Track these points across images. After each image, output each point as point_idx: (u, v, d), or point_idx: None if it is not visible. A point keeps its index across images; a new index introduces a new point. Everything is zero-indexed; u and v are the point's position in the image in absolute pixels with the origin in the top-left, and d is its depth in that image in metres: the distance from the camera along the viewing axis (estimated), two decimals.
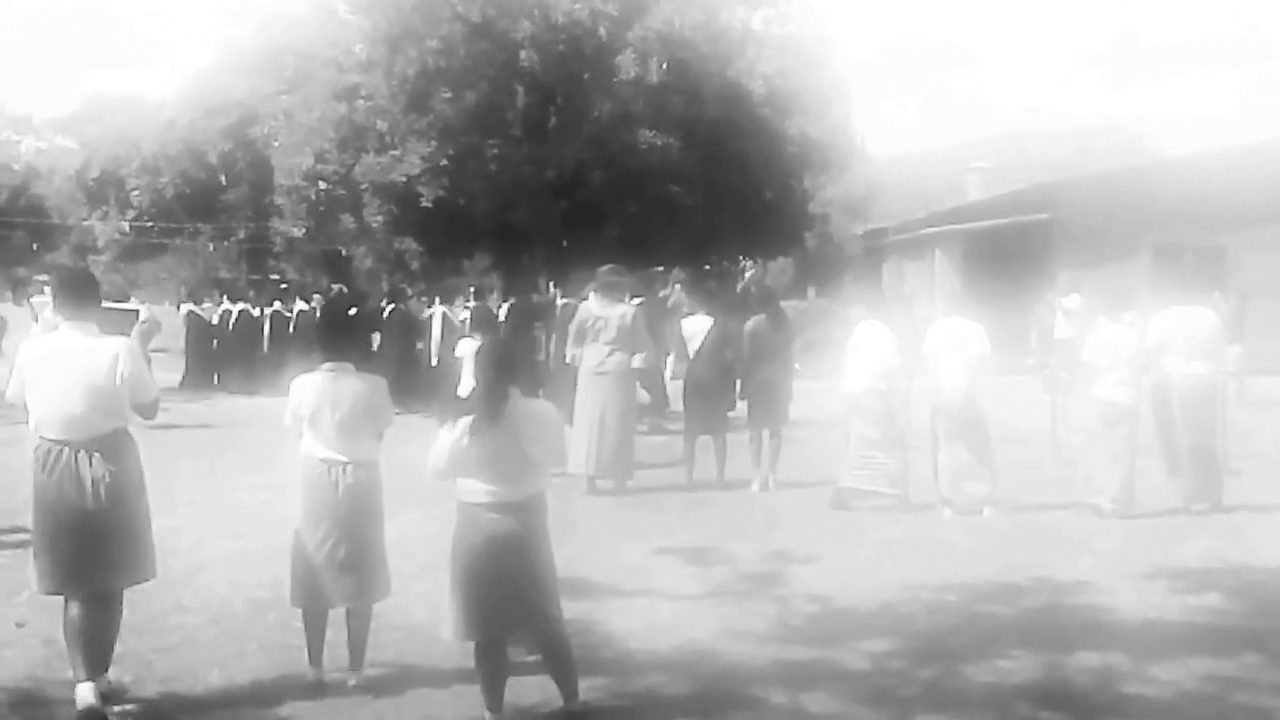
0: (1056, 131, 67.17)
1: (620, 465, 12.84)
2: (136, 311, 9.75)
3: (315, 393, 6.61)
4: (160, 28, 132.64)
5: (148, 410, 6.39)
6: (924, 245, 33.41)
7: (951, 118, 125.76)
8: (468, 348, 15.62)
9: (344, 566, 6.55)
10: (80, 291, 6.40)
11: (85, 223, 57.97)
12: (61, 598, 6.28)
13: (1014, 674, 6.90)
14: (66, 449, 6.10)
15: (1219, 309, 13.91)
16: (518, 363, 6.16)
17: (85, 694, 6.07)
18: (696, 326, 13.45)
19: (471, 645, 6.02)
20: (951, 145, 62.74)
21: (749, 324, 13.25)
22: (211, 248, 53.41)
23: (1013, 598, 8.57)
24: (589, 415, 12.74)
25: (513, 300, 20.53)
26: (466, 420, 5.81)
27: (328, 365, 6.72)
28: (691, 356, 13.33)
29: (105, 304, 7.11)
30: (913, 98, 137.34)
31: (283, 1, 38.84)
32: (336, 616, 6.74)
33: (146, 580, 6.43)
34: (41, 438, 6.17)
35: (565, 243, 30.90)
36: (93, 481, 6.08)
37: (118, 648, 6.88)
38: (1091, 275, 22.90)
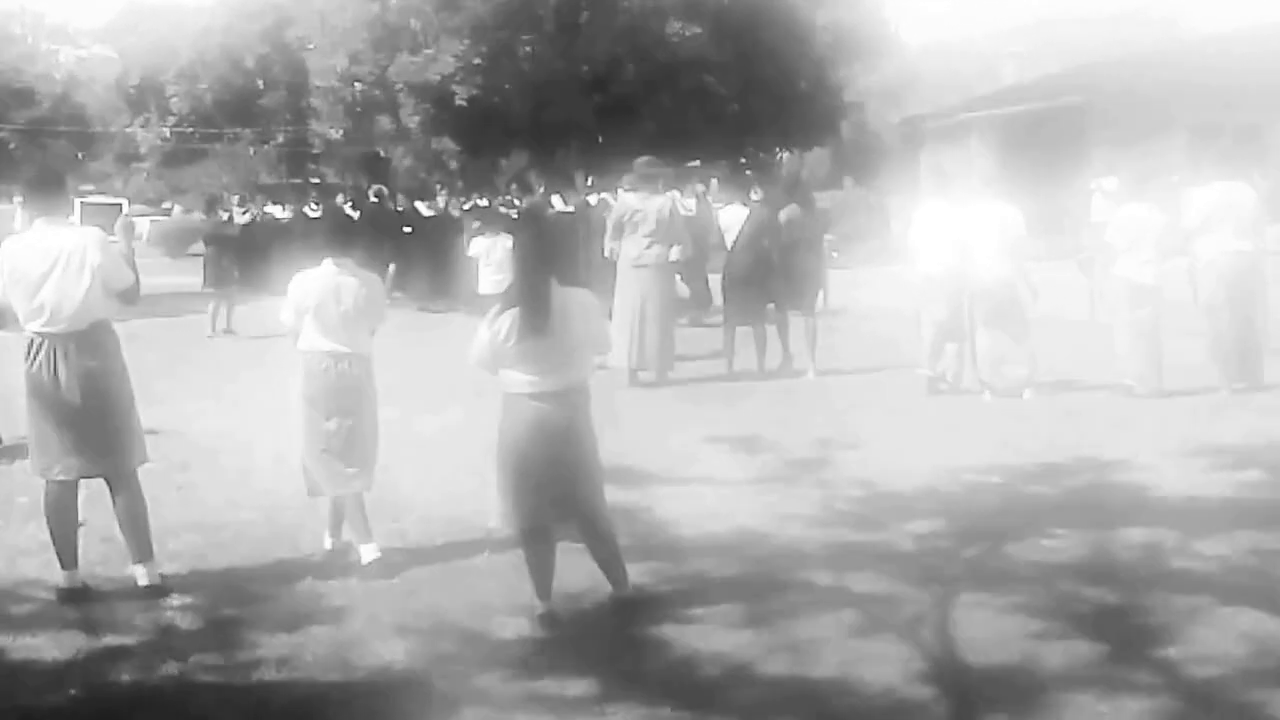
0: (1089, 16, 65.74)
1: (662, 357, 12.80)
2: (119, 205, 9.83)
3: (319, 288, 6.74)
4: None
5: (128, 296, 6.45)
6: (960, 131, 32.92)
7: (985, 4, 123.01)
8: (481, 246, 15.65)
9: (349, 454, 6.76)
10: (47, 188, 6.52)
11: (128, 129, 57.71)
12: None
13: (1058, 552, 6.86)
14: (46, 341, 6.19)
15: (1259, 187, 13.60)
16: (557, 253, 6.08)
17: (137, 574, 6.41)
18: (733, 217, 13.32)
19: (519, 534, 6.02)
20: (986, 33, 61.44)
21: (782, 214, 13.07)
22: (252, 152, 53.19)
23: (1055, 478, 8.51)
24: (629, 308, 12.67)
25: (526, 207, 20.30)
26: (508, 314, 5.74)
27: (331, 261, 6.82)
28: (729, 247, 13.20)
29: (89, 200, 7.28)
30: None
31: None
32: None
33: (133, 468, 6.49)
34: (27, 330, 6.27)
35: (600, 138, 30.64)
36: (67, 374, 6.16)
37: (173, 543, 7.02)
38: (1128, 157, 22.46)
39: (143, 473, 6.65)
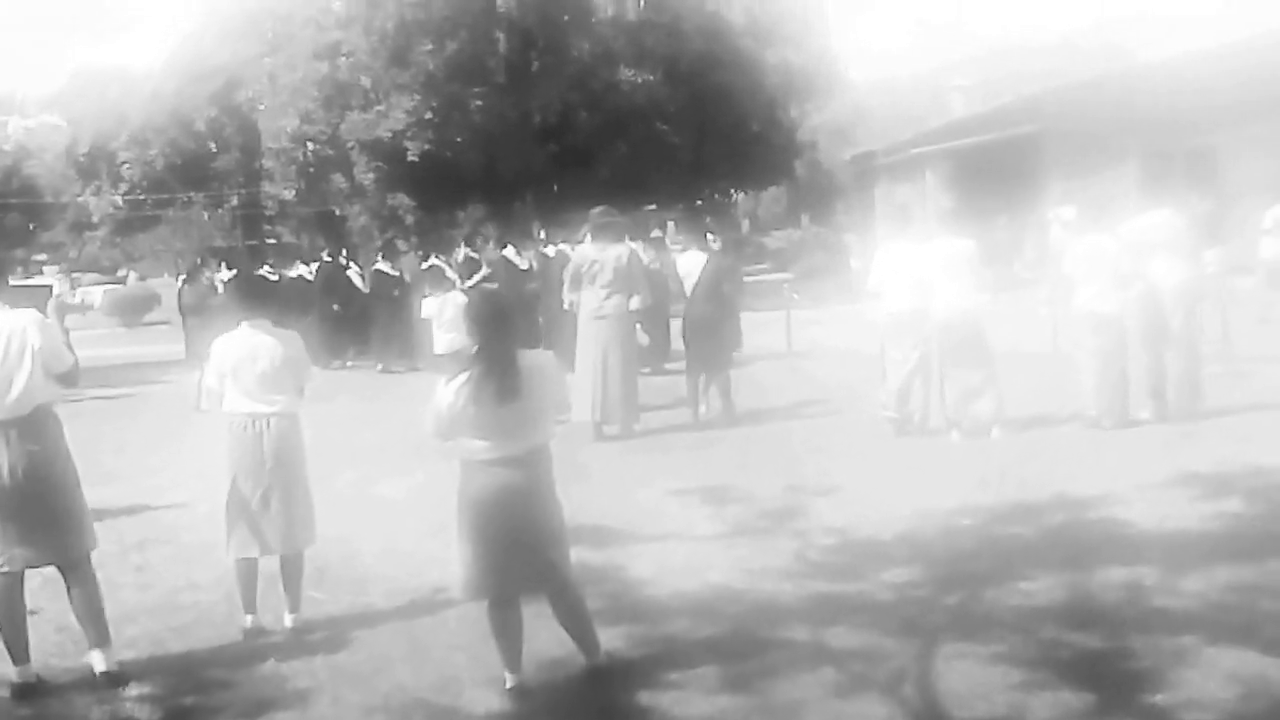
0: (1036, 45, 66.50)
1: (626, 409, 12.65)
2: (49, 287, 9.69)
3: (236, 350, 6.77)
4: None
5: (69, 378, 6.32)
6: (913, 166, 33.01)
7: (931, 40, 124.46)
8: (433, 306, 15.50)
9: (274, 515, 6.69)
10: None
11: (79, 199, 57.47)
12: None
13: (1038, 595, 6.74)
14: None
15: (1195, 211, 13.59)
16: (513, 315, 5.94)
17: (94, 661, 6.20)
18: (691, 263, 13.21)
19: (485, 605, 5.85)
20: (934, 67, 62.06)
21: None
22: (206, 216, 53.04)
23: (1029, 517, 8.41)
24: (591, 361, 12.53)
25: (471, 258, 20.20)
26: (461, 379, 5.59)
27: (245, 323, 6.83)
28: (688, 294, 13.10)
29: (15, 282, 7.22)
30: (891, 21, 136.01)
31: None
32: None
33: (84, 554, 6.27)
34: None
35: (556, 187, 30.70)
36: (10, 461, 5.99)
37: (130, 629, 6.82)
38: (1084, 185, 22.58)
39: (99, 555, 6.48)
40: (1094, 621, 6.28)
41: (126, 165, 51.57)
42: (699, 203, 36.84)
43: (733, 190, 42.50)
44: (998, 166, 28.53)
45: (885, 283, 11.62)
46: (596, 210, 13.42)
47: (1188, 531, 7.80)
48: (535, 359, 5.79)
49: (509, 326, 5.72)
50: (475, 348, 5.65)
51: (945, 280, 11.25)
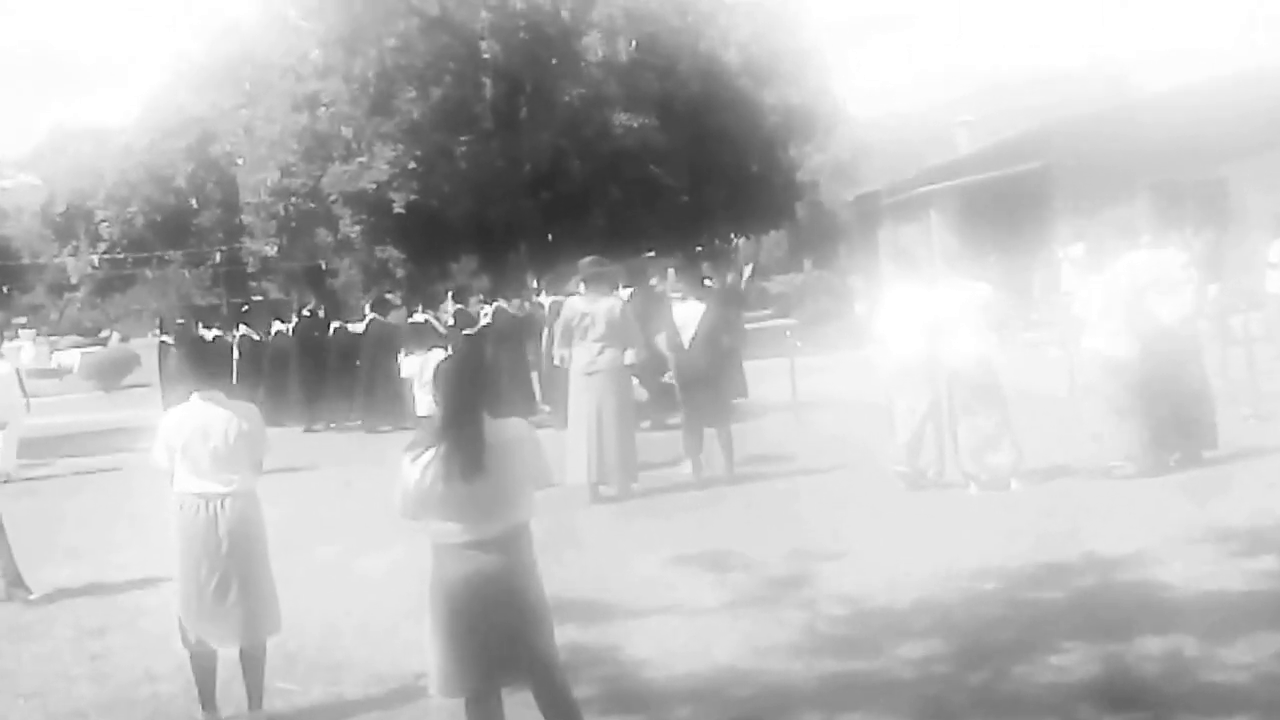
0: (1039, 79, 66.72)
1: (624, 468, 12.29)
2: None
3: (186, 425, 6.48)
4: (114, 52, 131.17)
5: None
6: (918, 205, 32.79)
7: (931, 75, 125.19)
8: (413, 365, 15.15)
9: (232, 604, 6.38)
10: None
11: (56, 260, 57.39)
12: None
13: (1072, 670, 6.35)
14: None
15: (1192, 247, 13.31)
16: (486, 380, 5.57)
17: None
18: (689, 313, 12.85)
19: (463, 701, 5.44)
20: (935, 102, 62.22)
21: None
22: (186, 274, 52.87)
23: (1056, 579, 8.03)
24: (585, 418, 12.19)
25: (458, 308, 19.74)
26: (427, 455, 5.20)
27: (197, 395, 6.54)
28: (687, 345, 12.74)
29: None
30: (886, 59, 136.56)
31: (234, 12, 38.32)
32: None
33: None
34: None
35: (550, 236, 30.48)
36: None
37: None
38: (1093, 221, 22.36)
39: (55, 641, 6.20)
40: (1135, 700, 5.89)
41: (105, 224, 51.45)
42: (698, 248, 36.61)
43: (733, 234, 42.31)
44: (1005, 204, 28.33)
45: (892, 328, 11.29)
46: (586, 260, 13.14)
47: (1228, 593, 7.42)
48: (507, 429, 5.36)
49: (476, 394, 5.30)
50: (440, 419, 5.28)
51: (956, 324, 10.93)
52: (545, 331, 17.54)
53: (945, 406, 11.16)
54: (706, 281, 13.95)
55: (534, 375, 19.17)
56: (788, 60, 34.92)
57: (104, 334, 54.22)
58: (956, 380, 11.02)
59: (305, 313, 22.58)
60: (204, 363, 6.95)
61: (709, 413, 12.61)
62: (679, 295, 14.44)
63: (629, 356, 12.50)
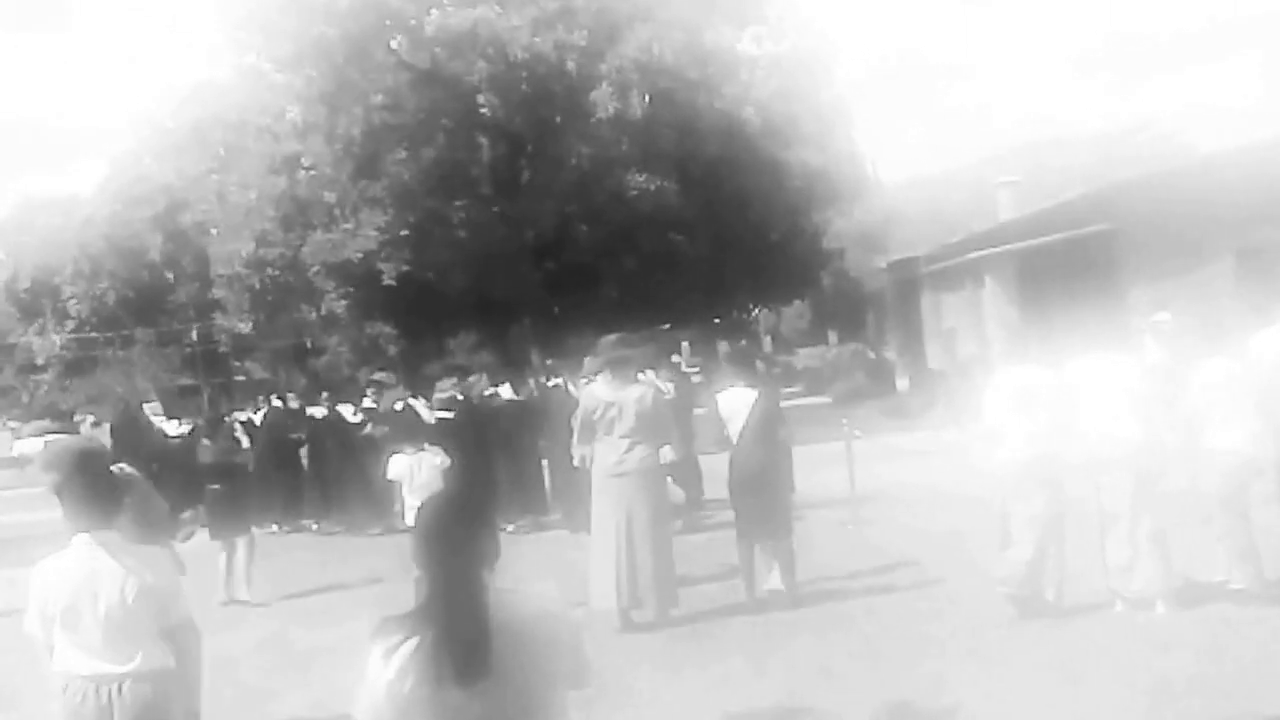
0: (1073, 138, 65.85)
1: (660, 589, 10.65)
2: None
3: (67, 582, 4.94)
4: (87, 121, 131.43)
5: None
6: (965, 272, 31.45)
7: (958, 136, 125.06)
8: (402, 466, 13.47)
9: None
10: None
11: (22, 340, 56.34)
12: None
13: None
14: None
15: None
16: (479, 534, 3.79)
17: None
18: (737, 402, 11.21)
19: None
20: (965, 164, 61.25)
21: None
22: (148, 358, 51.57)
23: None
24: (612, 530, 10.59)
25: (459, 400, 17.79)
26: (408, 645, 3.55)
27: (84, 536, 4.99)
28: (735, 440, 11.11)
29: None
30: (912, 118, 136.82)
31: (203, 70, 37.35)
32: None
33: None
34: None
35: (557, 309, 29.31)
36: None
37: None
38: (1173, 287, 21.03)
39: None
40: None
41: (73, 300, 50.44)
42: (716, 320, 35.49)
43: (753, 305, 41.22)
44: (1067, 270, 26.95)
45: (1002, 420, 9.66)
46: (608, 340, 11.55)
47: None
48: (523, 604, 3.69)
49: (473, 554, 3.62)
50: (422, 596, 3.61)
51: (1094, 409, 9.45)
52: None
53: (1066, 516, 9.57)
54: (759, 366, 12.38)
55: (544, 470, 17.48)
56: (811, 120, 33.99)
57: (78, 418, 52.94)
58: (1101, 476, 9.54)
59: (275, 400, 20.86)
60: (96, 491, 5.14)
61: (766, 522, 10.95)
62: (695, 370, 13.01)
63: (666, 454, 10.91)
